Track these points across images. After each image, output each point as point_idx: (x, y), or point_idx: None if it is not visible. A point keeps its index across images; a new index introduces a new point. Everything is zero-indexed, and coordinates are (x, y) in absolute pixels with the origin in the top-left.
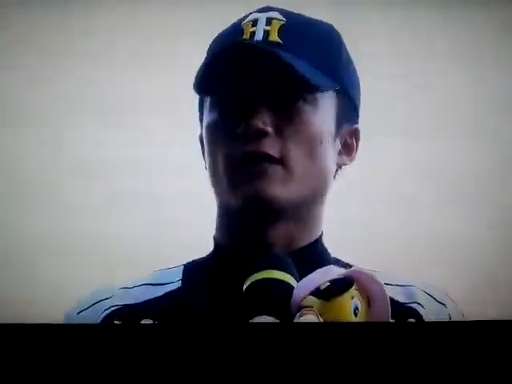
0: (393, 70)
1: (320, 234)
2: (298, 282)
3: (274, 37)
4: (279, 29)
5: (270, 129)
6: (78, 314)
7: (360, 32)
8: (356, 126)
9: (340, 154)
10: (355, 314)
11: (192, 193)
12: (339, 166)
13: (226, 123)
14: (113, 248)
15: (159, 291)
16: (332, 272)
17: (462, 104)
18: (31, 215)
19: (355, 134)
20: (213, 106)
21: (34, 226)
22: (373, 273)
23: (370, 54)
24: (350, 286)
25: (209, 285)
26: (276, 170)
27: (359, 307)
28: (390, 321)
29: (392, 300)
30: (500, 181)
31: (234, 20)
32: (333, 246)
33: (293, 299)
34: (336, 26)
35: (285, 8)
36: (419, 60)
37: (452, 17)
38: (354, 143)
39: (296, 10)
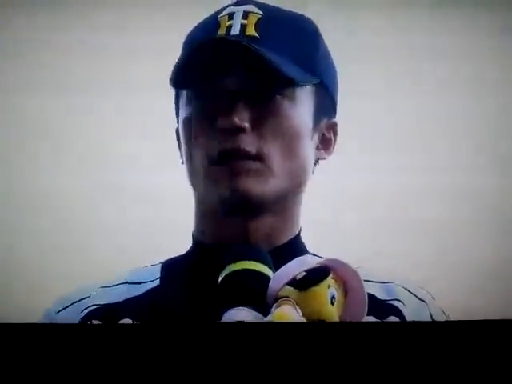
0: (392, 69)
1: (299, 230)
2: (273, 272)
3: (251, 31)
4: (256, 22)
5: (247, 124)
6: (57, 313)
7: (358, 32)
8: (334, 120)
9: (318, 148)
10: (332, 303)
11: (168, 189)
12: (317, 161)
13: (201, 118)
14: (92, 247)
15: (138, 290)
16: (308, 262)
17: (460, 101)
18: (18, 212)
19: (333, 128)
20: (189, 101)
21: (19, 223)
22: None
23: (369, 53)
24: (327, 276)
25: (188, 282)
26: (253, 166)
27: (336, 296)
28: (370, 319)
29: (373, 297)
30: (500, 180)
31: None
32: (310, 242)
33: (269, 290)
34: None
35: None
36: (419, 58)
37: (452, 15)
38: (332, 137)
39: (294, 9)
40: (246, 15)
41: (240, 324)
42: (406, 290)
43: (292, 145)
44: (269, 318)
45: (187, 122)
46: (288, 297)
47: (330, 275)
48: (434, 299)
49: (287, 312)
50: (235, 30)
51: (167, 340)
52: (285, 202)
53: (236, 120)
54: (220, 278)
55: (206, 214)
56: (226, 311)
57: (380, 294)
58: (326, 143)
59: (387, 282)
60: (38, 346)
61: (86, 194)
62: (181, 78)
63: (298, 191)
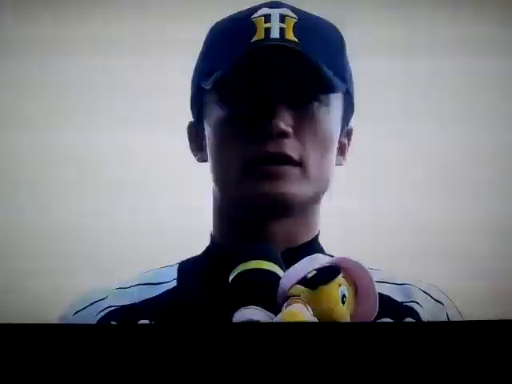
0: (393, 66)
1: (317, 232)
2: (284, 271)
3: (291, 35)
4: (294, 26)
5: (290, 129)
6: (74, 315)
7: (360, 29)
8: (351, 126)
9: (337, 153)
10: (343, 302)
11: (183, 190)
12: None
13: (242, 121)
14: (107, 246)
15: (155, 291)
16: (318, 260)
17: (460, 97)
18: (20, 209)
19: (349, 134)
20: (222, 102)
21: (22, 222)
22: (372, 271)
23: (369, 51)
24: (337, 274)
25: (206, 282)
26: (294, 171)
27: (346, 295)
28: (387, 320)
29: (389, 299)
30: (500, 181)
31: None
32: (328, 245)
33: (280, 288)
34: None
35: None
36: (419, 56)
37: (453, 14)
38: (347, 143)
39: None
40: (282, 18)
41: (251, 324)
42: (423, 291)
43: (327, 151)
44: (279, 317)
45: (221, 124)
46: (299, 295)
47: (341, 274)
48: (451, 301)
49: (298, 311)
50: (275, 34)
51: (186, 340)
52: (310, 205)
53: (281, 124)
54: (230, 278)
55: (226, 215)
56: (237, 310)
57: (397, 296)
58: (342, 149)
59: (404, 284)
60: (50, 346)
61: (99, 194)
62: (225, 81)
63: (321, 195)
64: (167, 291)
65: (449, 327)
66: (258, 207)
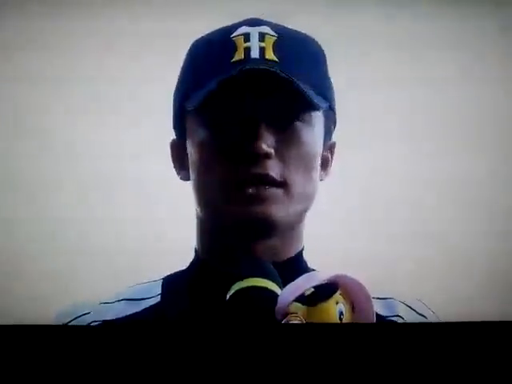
0: (392, 74)
1: (302, 247)
2: (281, 289)
3: (270, 54)
4: (273, 45)
5: (273, 150)
6: None
7: (357, 33)
8: (333, 141)
9: (321, 169)
10: (340, 319)
11: (170, 204)
12: None
13: (224, 143)
14: (93, 259)
15: (139, 306)
16: (316, 278)
17: (462, 106)
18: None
19: (331, 148)
20: (205, 123)
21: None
22: None
23: (368, 55)
24: (335, 291)
25: (190, 298)
26: (277, 192)
27: (344, 312)
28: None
29: (376, 314)
30: (500, 183)
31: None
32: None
33: (277, 306)
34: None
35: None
36: (419, 63)
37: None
38: (330, 157)
39: (294, 11)
40: (262, 37)
41: (246, 328)
42: (406, 305)
43: (310, 169)
44: None
45: (203, 145)
46: (297, 313)
47: (338, 291)
48: (433, 313)
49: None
50: (255, 54)
51: (168, 354)
52: (295, 223)
53: (262, 145)
54: (228, 295)
55: (211, 233)
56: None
57: (381, 310)
58: (325, 164)
59: (387, 298)
60: (42, 347)
61: (85, 209)
62: (206, 103)
63: (305, 212)
64: (150, 307)
65: (448, 327)
66: (241, 230)
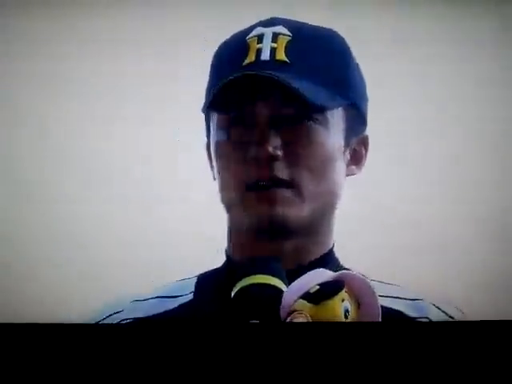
0: (392, 72)
1: (332, 245)
2: (287, 286)
3: (281, 55)
4: (286, 45)
5: (280, 153)
6: None
7: (359, 32)
8: (365, 134)
9: (349, 164)
10: (346, 317)
11: (205, 201)
12: (347, 176)
13: (235, 145)
14: (123, 258)
15: (171, 304)
16: (321, 275)
17: (463, 104)
18: (32, 217)
19: (363, 142)
20: (222, 125)
21: (35, 225)
22: (385, 285)
23: (367, 54)
24: (340, 289)
25: (219, 297)
26: (287, 193)
27: (349, 310)
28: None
29: (401, 314)
30: (500, 182)
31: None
32: (344, 256)
33: (283, 303)
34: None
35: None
36: (420, 60)
37: (453, 16)
38: (363, 152)
39: (296, 9)
40: (275, 37)
41: (251, 326)
42: (436, 307)
43: (323, 169)
44: None
45: (221, 147)
46: (302, 310)
47: (344, 289)
48: (462, 312)
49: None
50: (265, 55)
51: (180, 342)
52: (318, 221)
53: (269, 149)
54: (233, 292)
55: (237, 234)
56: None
57: (410, 311)
58: (357, 159)
59: (417, 299)
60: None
61: (120, 207)
62: (213, 106)
63: (330, 209)
64: (182, 305)
65: (448, 328)
66: (256, 231)
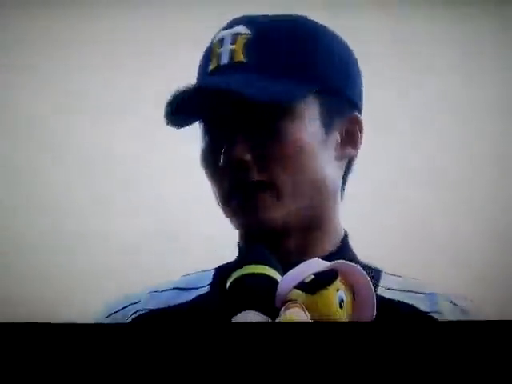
0: (392, 71)
1: (341, 238)
2: (281, 275)
3: (239, 56)
4: (244, 44)
5: (249, 156)
6: (107, 317)
7: (357, 32)
8: (354, 114)
9: (342, 147)
10: (341, 307)
11: None
12: (348, 159)
13: (210, 153)
14: (139, 248)
15: (188, 296)
16: (316, 265)
17: (460, 104)
18: (36, 217)
19: (354, 122)
20: (201, 133)
21: (38, 226)
22: (400, 278)
23: (367, 54)
24: (335, 279)
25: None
26: (265, 194)
27: (344, 299)
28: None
29: (413, 308)
30: (501, 181)
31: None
32: (363, 249)
33: (277, 293)
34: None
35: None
36: (419, 60)
37: (452, 16)
38: (357, 131)
39: (297, 10)
40: (234, 39)
41: (248, 324)
42: (450, 302)
43: (299, 163)
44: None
45: (202, 156)
46: (297, 300)
47: (339, 278)
48: (479, 311)
49: (296, 315)
50: (224, 59)
51: (176, 340)
52: (312, 216)
53: (238, 154)
54: (228, 283)
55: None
56: (235, 315)
57: (422, 305)
58: (351, 139)
59: (431, 293)
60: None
61: (122, 197)
62: (174, 120)
63: (324, 201)
64: (199, 296)
65: (447, 328)
66: (251, 236)
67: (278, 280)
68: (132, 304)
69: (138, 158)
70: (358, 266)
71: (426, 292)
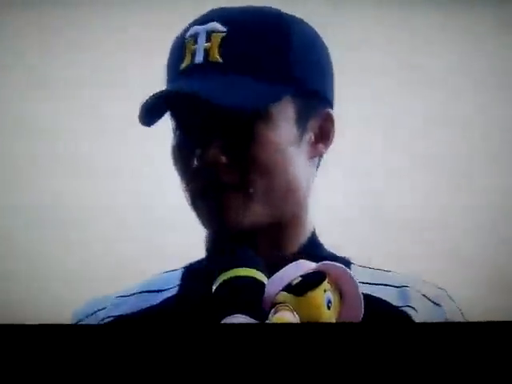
0: (391, 67)
1: (312, 231)
2: (268, 278)
3: (215, 55)
4: (220, 42)
5: (223, 157)
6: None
7: (356, 31)
8: (326, 110)
9: (315, 145)
10: (328, 307)
11: None
12: (319, 156)
13: (182, 152)
14: (108, 249)
15: (155, 299)
16: (303, 266)
17: (461, 101)
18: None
19: (328, 118)
20: (173, 130)
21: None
22: (373, 270)
23: (367, 53)
24: (322, 280)
25: (204, 289)
26: (236, 197)
27: (332, 300)
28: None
29: (385, 303)
30: (501, 179)
31: None
32: (331, 240)
33: (265, 296)
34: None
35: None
36: (419, 56)
37: (451, 16)
38: (330, 128)
39: (291, 9)
40: (209, 36)
41: (238, 326)
42: (422, 294)
43: (273, 165)
44: None
45: (173, 152)
46: (285, 302)
47: (326, 279)
48: (452, 300)
49: (286, 318)
50: (199, 58)
51: (166, 342)
52: (284, 215)
53: (211, 156)
54: (214, 286)
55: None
56: (223, 318)
57: (394, 300)
58: (323, 136)
59: (402, 287)
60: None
61: (98, 189)
62: (148, 119)
63: (297, 199)
64: (167, 298)
65: (445, 328)
66: (220, 238)
67: (264, 282)
68: (98, 310)
69: (137, 159)
70: (345, 267)
71: (398, 285)
